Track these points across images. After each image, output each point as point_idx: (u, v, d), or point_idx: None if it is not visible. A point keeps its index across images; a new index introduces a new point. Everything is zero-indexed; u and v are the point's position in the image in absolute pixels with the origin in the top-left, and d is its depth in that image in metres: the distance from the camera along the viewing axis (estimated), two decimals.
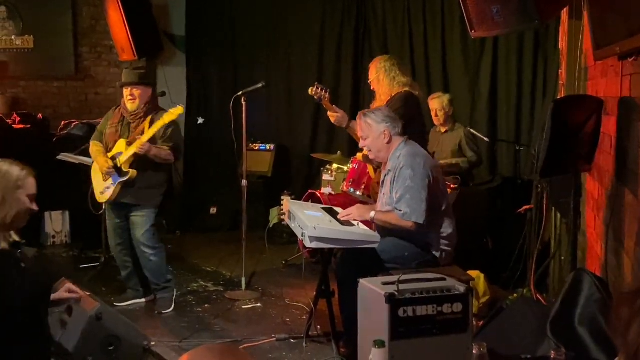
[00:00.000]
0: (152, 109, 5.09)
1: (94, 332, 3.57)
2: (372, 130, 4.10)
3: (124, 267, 5.28)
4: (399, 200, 3.95)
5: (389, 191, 4.07)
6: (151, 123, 4.94)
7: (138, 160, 4.91)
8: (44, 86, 8.52)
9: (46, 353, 2.99)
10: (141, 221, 5.08)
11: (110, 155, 5.01)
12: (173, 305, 5.15)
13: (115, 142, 5.03)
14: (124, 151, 4.93)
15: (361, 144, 4.22)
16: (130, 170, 4.90)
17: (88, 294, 3.85)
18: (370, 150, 4.18)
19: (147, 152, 4.85)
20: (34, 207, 2.83)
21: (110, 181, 5.00)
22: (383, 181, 4.21)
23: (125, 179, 4.92)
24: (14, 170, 2.76)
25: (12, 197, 2.71)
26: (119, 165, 4.92)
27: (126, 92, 5.05)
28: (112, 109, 5.29)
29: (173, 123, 5.01)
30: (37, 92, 8.53)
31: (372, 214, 4.08)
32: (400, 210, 3.93)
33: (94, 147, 5.16)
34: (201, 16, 8.35)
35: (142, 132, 4.92)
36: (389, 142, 4.10)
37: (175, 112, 4.85)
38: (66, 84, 8.55)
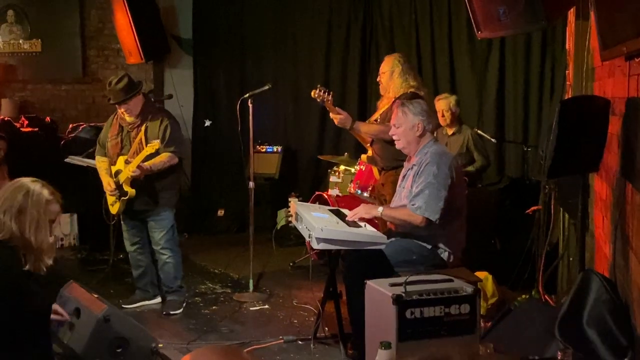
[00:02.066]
0: (148, 112, 5.04)
1: (102, 335, 3.58)
2: (407, 120, 4.08)
3: (137, 266, 5.30)
4: (417, 194, 3.93)
5: (410, 185, 4.05)
6: (146, 130, 4.96)
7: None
8: (52, 89, 8.57)
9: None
10: (160, 224, 5.11)
11: (114, 170, 5.04)
12: (182, 308, 5.17)
13: (118, 155, 5.04)
14: (123, 169, 4.96)
15: (391, 132, 4.20)
16: (129, 190, 4.93)
17: (96, 296, 3.87)
18: (399, 140, 4.15)
19: (142, 174, 4.88)
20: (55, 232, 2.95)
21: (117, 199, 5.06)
22: (405, 175, 4.20)
23: (125, 198, 4.96)
24: (45, 192, 2.88)
25: (45, 222, 2.84)
26: (120, 183, 4.95)
27: (120, 110, 5.04)
28: (110, 117, 5.26)
29: (171, 123, 5.02)
30: (45, 95, 8.58)
31: (380, 209, 4.07)
32: (414, 204, 3.92)
33: (99, 163, 5.20)
34: (208, 18, 8.37)
35: (140, 143, 4.94)
36: (420, 136, 4.08)
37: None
38: (74, 87, 8.60)
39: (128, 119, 5.02)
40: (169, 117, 5.09)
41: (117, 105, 5.01)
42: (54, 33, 8.56)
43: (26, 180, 2.95)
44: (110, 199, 5.12)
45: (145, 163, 4.88)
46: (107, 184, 5.01)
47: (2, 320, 2.64)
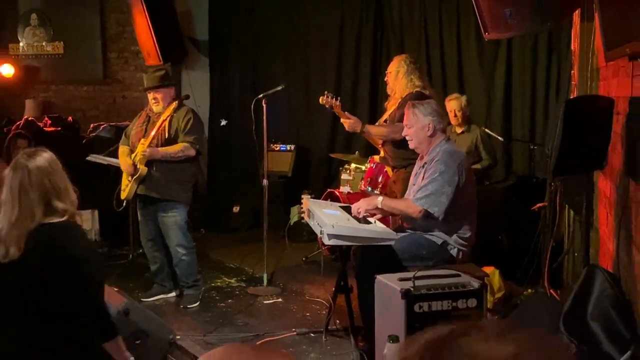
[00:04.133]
0: (175, 107, 5.11)
1: (121, 327, 3.57)
2: (418, 121, 4.08)
3: (154, 262, 5.32)
4: (421, 187, 3.94)
5: (420, 181, 4.05)
6: (170, 121, 5.00)
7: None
8: (74, 90, 8.63)
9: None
10: (174, 221, 5.12)
11: (133, 155, 5.07)
12: (198, 302, 5.19)
13: (139, 140, 5.08)
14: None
15: (404, 132, 4.19)
16: (141, 167, 4.95)
17: (116, 289, 3.89)
18: (411, 140, 4.15)
19: (152, 156, 4.91)
20: None
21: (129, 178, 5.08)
22: (417, 173, 4.19)
23: (136, 175, 4.97)
24: (50, 155, 2.78)
25: (69, 185, 2.77)
26: (135, 162, 4.98)
27: (150, 96, 5.11)
28: (140, 113, 5.35)
29: (194, 117, 5.06)
30: (67, 96, 8.64)
31: (380, 199, 4.08)
32: (415, 196, 3.93)
33: (121, 149, 5.25)
34: (223, 22, 8.38)
35: (163, 130, 4.99)
36: (431, 136, 4.08)
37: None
38: (95, 88, 8.65)
39: (156, 108, 5.07)
40: (194, 113, 5.17)
41: (147, 92, 5.07)
42: (76, 36, 8.62)
43: (28, 164, 2.73)
44: (123, 184, 5.16)
45: (160, 148, 4.93)
46: (125, 162, 5.08)
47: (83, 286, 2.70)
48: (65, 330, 2.71)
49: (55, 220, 2.68)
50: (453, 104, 6.14)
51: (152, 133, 4.98)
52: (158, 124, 5.02)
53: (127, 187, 5.09)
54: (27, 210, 2.65)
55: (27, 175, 2.68)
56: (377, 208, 4.07)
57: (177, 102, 5.16)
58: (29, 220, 2.64)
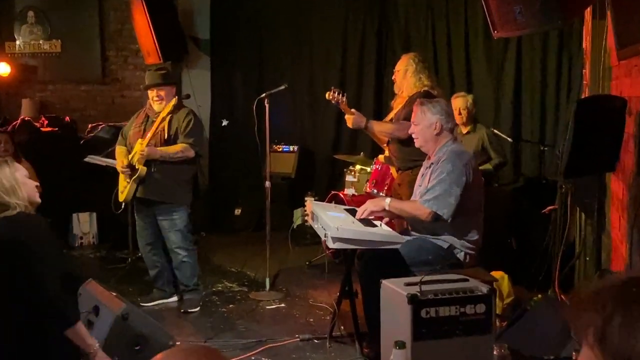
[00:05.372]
0: (176, 107, 5.12)
1: (120, 332, 3.60)
2: (425, 119, 4.07)
3: (153, 266, 5.31)
4: (429, 189, 3.92)
5: (427, 182, 4.05)
6: (169, 122, 5.00)
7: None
8: (72, 90, 8.64)
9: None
10: (173, 223, 5.11)
11: (130, 155, 5.07)
12: (199, 306, 5.19)
13: (137, 141, 5.08)
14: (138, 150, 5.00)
15: (411, 130, 4.19)
16: (140, 167, 4.95)
17: (115, 294, 3.90)
18: (417, 138, 4.14)
19: (150, 156, 4.91)
20: (35, 182, 3.13)
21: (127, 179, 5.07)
22: (423, 174, 4.18)
23: (135, 176, 4.97)
24: (4, 169, 3.00)
25: (18, 184, 2.96)
26: (132, 163, 4.98)
27: (152, 93, 5.11)
28: (137, 112, 5.36)
29: (194, 118, 5.07)
30: (65, 95, 8.65)
31: (387, 200, 4.07)
32: (423, 198, 3.92)
33: (117, 149, 5.27)
34: (226, 20, 8.39)
35: (162, 130, 4.99)
36: (438, 134, 4.06)
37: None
38: (93, 87, 8.66)
39: (157, 107, 5.07)
40: (194, 114, 5.18)
41: (149, 90, 5.08)
42: (74, 34, 8.63)
43: None
44: (121, 186, 5.16)
45: (159, 148, 4.94)
46: (121, 162, 5.09)
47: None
48: (21, 320, 2.81)
49: (9, 214, 2.91)
50: (458, 102, 6.13)
51: (150, 134, 4.98)
52: (157, 123, 5.02)
53: (125, 189, 5.08)
54: None
55: None
56: (384, 210, 4.05)
57: (176, 99, 5.15)
58: None
